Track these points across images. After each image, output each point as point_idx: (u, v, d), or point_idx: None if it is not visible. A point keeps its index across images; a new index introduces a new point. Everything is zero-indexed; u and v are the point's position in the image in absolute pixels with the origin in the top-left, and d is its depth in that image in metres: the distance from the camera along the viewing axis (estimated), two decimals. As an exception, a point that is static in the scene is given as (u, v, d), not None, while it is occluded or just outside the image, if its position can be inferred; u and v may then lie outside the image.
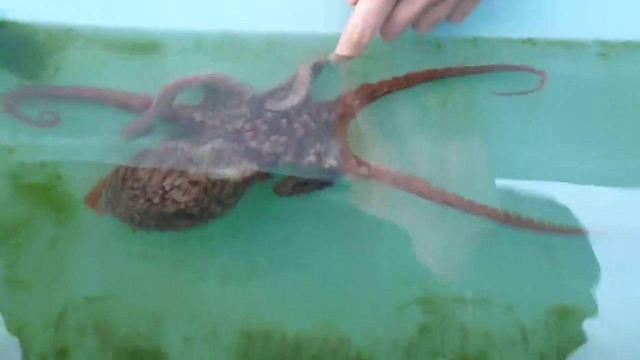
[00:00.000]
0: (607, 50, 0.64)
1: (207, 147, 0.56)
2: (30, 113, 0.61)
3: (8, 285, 0.61)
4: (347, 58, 0.57)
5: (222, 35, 0.63)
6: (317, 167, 0.58)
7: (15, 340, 0.61)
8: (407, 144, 0.63)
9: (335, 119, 0.60)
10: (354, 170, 0.59)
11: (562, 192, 0.61)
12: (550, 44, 0.64)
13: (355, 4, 0.56)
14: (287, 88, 0.60)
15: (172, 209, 0.54)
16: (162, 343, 0.61)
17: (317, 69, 0.60)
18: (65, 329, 0.61)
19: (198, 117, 0.59)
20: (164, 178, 0.54)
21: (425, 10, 0.56)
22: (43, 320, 0.61)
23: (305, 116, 0.59)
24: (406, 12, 0.56)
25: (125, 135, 0.59)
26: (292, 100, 0.58)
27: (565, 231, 0.59)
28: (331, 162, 0.58)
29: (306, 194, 0.60)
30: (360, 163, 0.59)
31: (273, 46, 0.63)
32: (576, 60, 0.63)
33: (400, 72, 0.62)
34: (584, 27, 0.64)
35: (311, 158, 0.58)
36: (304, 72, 0.59)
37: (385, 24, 0.57)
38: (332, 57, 0.58)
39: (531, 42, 0.64)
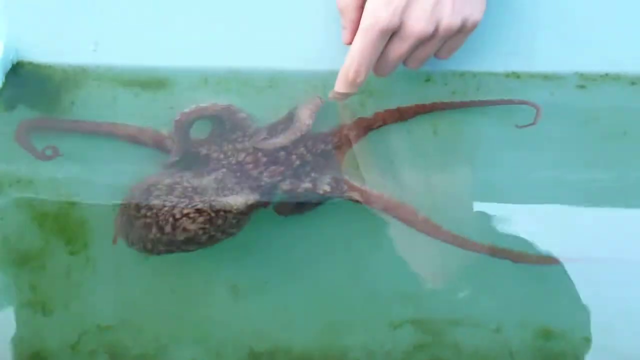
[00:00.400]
0: (586, 82, 0.68)
1: (210, 178, 0.60)
2: (39, 144, 0.65)
3: (27, 310, 0.64)
4: (345, 95, 0.62)
5: (227, 72, 0.67)
6: (313, 192, 0.62)
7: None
8: (400, 173, 0.67)
9: (330, 149, 0.64)
10: (347, 196, 0.62)
11: (545, 217, 0.65)
12: (533, 76, 0.68)
13: (350, 43, 0.60)
14: (287, 122, 0.64)
15: (182, 237, 0.58)
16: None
17: (315, 110, 0.64)
18: (80, 352, 0.64)
19: (203, 150, 0.63)
20: (174, 207, 0.58)
21: (414, 48, 0.60)
22: (59, 345, 0.64)
23: (302, 148, 0.63)
24: (397, 50, 0.59)
25: (166, 166, 0.63)
26: (290, 136, 0.62)
27: (546, 261, 0.63)
28: (325, 187, 0.62)
29: (303, 212, 0.64)
30: (354, 188, 0.62)
31: (275, 82, 0.67)
32: (557, 91, 0.68)
33: (393, 105, 0.66)
34: (563, 61, 0.68)
35: (307, 185, 0.62)
36: (304, 115, 0.63)
37: (378, 61, 0.60)
38: (330, 94, 0.62)
39: (515, 75, 0.68)
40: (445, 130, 0.67)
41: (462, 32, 0.60)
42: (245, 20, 0.67)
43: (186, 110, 0.63)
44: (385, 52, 0.60)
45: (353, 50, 0.58)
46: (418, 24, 0.57)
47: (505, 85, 0.68)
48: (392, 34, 0.58)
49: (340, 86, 0.61)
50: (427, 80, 0.68)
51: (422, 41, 0.59)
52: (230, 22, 0.67)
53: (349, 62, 0.59)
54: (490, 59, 0.68)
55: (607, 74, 0.68)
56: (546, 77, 0.68)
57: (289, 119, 0.64)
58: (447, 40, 0.60)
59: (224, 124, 0.63)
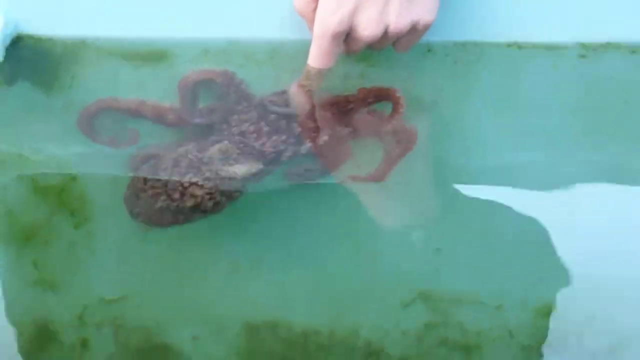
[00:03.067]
0: (588, 51, 0.68)
1: (215, 149, 0.61)
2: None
3: (34, 285, 0.64)
4: (312, 84, 0.63)
5: (227, 43, 0.66)
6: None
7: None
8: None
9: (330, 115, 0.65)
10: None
11: (542, 187, 0.66)
12: (534, 46, 0.68)
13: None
14: (287, 93, 0.64)
15: (190, 202, 0.59)
16: (171, 338, 0.65)
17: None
18: (85, 325, 0.65)
19: (208, 121, 0.64)
20: (183, 176, 0.59)
21: (368, 45, 0.61)
22: (66, 317, 0.65)
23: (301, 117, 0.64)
24: (354, 47, 0.62)
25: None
26: (290, 108, 0.64)
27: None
28: (324, 138, 0.63)
29: (314, 179, 0.65)
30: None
31: (276, 53, 0.66)
32: (558, 61, 0.67)
33: (395, 76, 0.66)
34: (565, 31, 0.68)
35: (307, 146, 0.63)
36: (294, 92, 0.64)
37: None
38: (295, 85, 0.63)
39: (517, 45, 0.68)
40: (446, 99, 0.67)
41: (414, 33, 0.61)
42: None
43: (186, 74, 0.64)
44: (345, 45, 0.62)
45: (311, 55, 0.61)
46: (366, 29, 0.59)
47: (507, 55, 0.68)
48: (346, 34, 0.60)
49: (304, 80, 0.63)
50: (429, 51, 0.67)
51: (374, 42, 0.61)
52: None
53: (309, 65, 0.61)
54: (492, 29, 0.68)
55: (608, 43, 0.67)
56: (548, 47, 0.68)
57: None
58: (401, 38, 0.61)
59: (229, 95, 0.64)
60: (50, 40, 0.66)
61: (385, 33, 0.60)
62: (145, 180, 0.59)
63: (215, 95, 0.65)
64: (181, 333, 0.65)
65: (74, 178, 0.66)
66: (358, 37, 0.60)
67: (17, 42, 0.66)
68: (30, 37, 0.66)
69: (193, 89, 0.64)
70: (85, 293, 0.65)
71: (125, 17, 0.66)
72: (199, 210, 0.59)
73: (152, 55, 0.66)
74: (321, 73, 0.62)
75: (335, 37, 0.59)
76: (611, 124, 0.67)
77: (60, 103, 0.66)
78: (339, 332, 0.65)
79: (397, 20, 0.59)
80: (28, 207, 0.65)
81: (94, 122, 0.65)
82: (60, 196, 0.65)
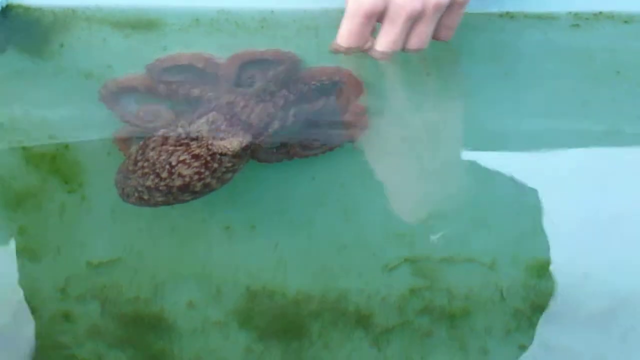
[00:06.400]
0: (580, 21, 0.68)
1: (202, 121, 0.60)
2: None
3: (21, 253, 0.64)
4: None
5: (218, 12, 0.66)
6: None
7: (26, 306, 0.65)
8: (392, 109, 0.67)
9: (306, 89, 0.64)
10: None
11: (537, 154, 0.66)
12: (526, 16, 0.67)
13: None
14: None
15: (178, 182, 0.58)
16: (165, 306, 0.65)
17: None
18: (72, 294, 0.64)
19: (196, 92, 0.63)
20: (171, 155, 0.58)
21: (406, 30, 0.57)
22: (52, 286, 0.64)
23: (284, 90, 0.63)
24: (389, 35, 0.57)
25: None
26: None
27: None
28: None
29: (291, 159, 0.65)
30: None
31: (267, 22, 0.66)
32: (550, 31, 0.67)
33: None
34: (557, 0, 0.67)
35: (290, 119, 0.63)
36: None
37: (373, 52, 0.59)
38: (332, 45, 0.61)
39: (509, 15, 0.68)
40: (438, 71, 0.67)
41: (455, 6, 0.58)
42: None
43: (161, 57, 0.63)
44: (378, 37, 0.58)
45: (340, 33, 0.58)
46: (404, 3, 0.55)
47: (499, 25, 0.67)
48: (380, 17, 0.57)
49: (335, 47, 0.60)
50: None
51: (413, 21, 0.57)
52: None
53: (337, 41, 0.58)
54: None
55: (600, 12, 0.67)
56: (540, 17, 0.68)
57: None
58: (442, 17, 0.59)
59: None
60: (39, 10, 0.66)
61: (424, 10, 0.56)
62: (135, 161, 0.59)
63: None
64: (175, 298, 0.65)
65: (65, 146, 0.65)
66: (395, 16, 0.56)
67: (7, 12, 0.66)
68: (20, 6, 0.66)
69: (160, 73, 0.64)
70: (76, 258, 0.65)
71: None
72: (188, 190, 0.59)
73: (142, 24, 0.66)
74: (347, 54, 0.59)
75: (368, 16, 0.56)
76: (603, 93, 0.67)
77: (50, 70, 0.65)
78: (330, 297, 0.65)
79: None
80: (20, 174, 0.65)
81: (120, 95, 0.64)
82: (53, 163, 0.65)
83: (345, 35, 0.58)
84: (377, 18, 0.57)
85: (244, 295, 0.65)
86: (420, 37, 0.59)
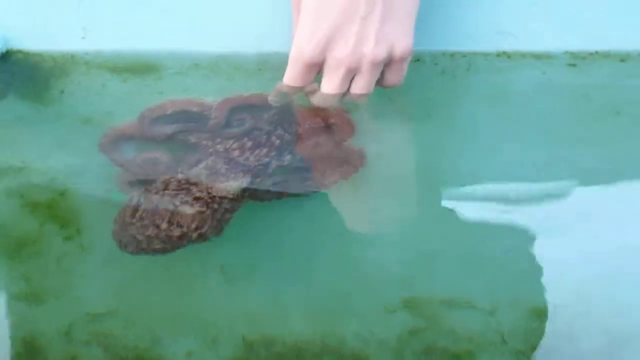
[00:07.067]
0: (577, 60, 0.68)
1: (201, 166, 0.61)
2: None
3: (21, 299, 0.64)
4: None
5: (217, 56, 0.66)
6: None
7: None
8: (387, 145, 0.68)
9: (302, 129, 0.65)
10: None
11: (533, 193, 0.66)
12: (523, 56, 0.68)
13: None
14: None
15: (177, 232, 0.58)
16: (165, 352, 0.64)
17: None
18: (74, 340, 0.64)
19: (192, 139, 0.64)
20: (173, 198, 0.59)
21: (347, 80, 0.59)
22: (53, 332, 0.64)
23: (280, 130, 0.64)
24: (331, 82, 0.59)
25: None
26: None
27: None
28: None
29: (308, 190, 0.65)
30: None
31: (264, 65, 0.67)
32: (548, 70, 0.67)
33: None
34: (553, 40, 0.68)
35: (287, 158, 0.63)
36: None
37: (316, 96, 0.61)
38: (278, 85, 0.62)
39: (506, 55, 0.68)
40: (439, 111, 0.67)
41: (394, 61, 0.59)
42: (235, 4, 0.67)
43: (151, 106, 0.64)
44: (322, 82, 0.60)
45: (286, 75, 0.60)
46: (341, 58, 0.57)
47: (496, 65, 0.68)
48: (321, 67, 0.59)
49: (274, 95, 0.63)
50: (417, 60, 0.67)
51: (352, 73, 0.59)
52: (219, 5, 0.66)
53: (284, 81, 0.60)
54: (480, 39, 0.68)
55: (596, 52, 0.68)
56: (537, 57, 0.68)
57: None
58: (385, 70, 0.60)
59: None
60: (39, 55, 0.66)
61: (360, 65, 0.58)
62: (133, 212, 0.59)
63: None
64: (174, 348, 0.65)
65: (62, 193, 0.65)
66: (334, 67, 0.58)
67: (7, 58, 0.66)
68: (20, 52, 0.66)
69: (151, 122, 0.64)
70: (76, 306, 0.65)
71: (113, 30, 0.66)
72: (186, 239, 0.59)
73: (140, 68, 0.66)
74: (295, 90, 0.61)
75: (308, 66, 0.58)
76: (601, 131, 0.67)
77: (51, 116, 0.66)
78: (330, 342, 0.64)
79: (375, 47, 0.56)
80: (18, 220, 0.65)
81: (119, 143, 0.64)
82: (50, 209, 0.65)
83: (288, 78, 0.60)
84: (318, 68, 0.59)
85: (243, 345, 0.64)
86: (362, 86, 0.60)
